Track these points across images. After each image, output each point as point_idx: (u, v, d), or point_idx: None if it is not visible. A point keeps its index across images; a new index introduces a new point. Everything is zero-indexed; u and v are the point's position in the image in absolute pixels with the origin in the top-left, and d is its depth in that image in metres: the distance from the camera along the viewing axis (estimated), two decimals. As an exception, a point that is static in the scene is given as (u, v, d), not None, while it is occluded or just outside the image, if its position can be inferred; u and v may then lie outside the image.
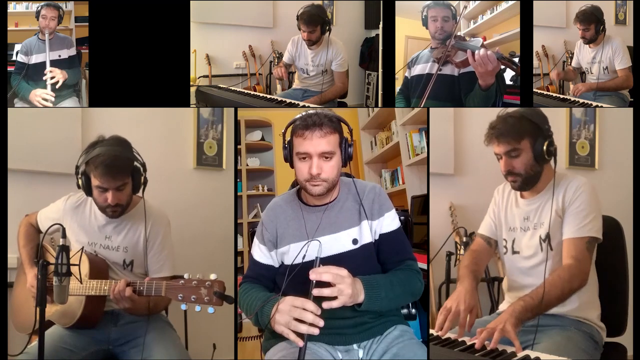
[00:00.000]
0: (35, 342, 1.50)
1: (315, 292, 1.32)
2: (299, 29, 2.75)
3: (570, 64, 2.78)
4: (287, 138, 1.56)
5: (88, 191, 1.82)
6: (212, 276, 1.56)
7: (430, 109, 2.34)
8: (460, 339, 1.53)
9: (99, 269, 1.82)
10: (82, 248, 1.78)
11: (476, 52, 1.90)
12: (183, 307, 1.58)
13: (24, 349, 1.64)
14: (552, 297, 1.54)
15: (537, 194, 1.74)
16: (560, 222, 1.66)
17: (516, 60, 2.34)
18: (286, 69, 2.92)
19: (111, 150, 1.76)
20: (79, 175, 1.80)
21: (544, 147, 1.64)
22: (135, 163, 1.83)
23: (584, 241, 1.61)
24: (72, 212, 1.93)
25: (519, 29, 2.38)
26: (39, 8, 2.37)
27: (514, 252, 1.77)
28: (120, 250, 1.89)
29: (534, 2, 2.37)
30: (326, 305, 1.33)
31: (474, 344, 1.46)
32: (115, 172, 1.75)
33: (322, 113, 1.51)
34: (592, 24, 2.52)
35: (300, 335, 1.31)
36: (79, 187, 1.82)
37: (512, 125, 1.67)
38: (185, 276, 1.58)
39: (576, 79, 2.77)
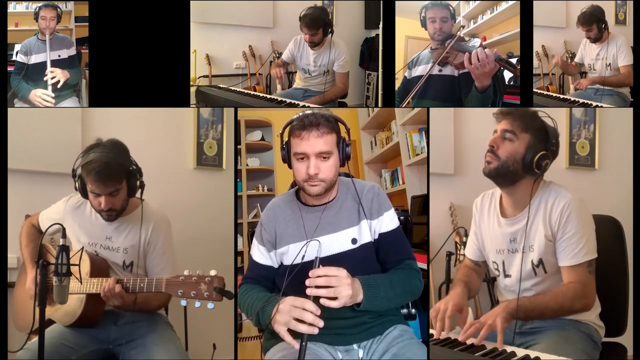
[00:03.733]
0: (35, 339, 1.51)
1: (309, 291, 1.33)
2: (301, 31, 2.74)
3: (572, 61, 2.78)
4: (285, 139, 1.56)
5: (84, 194, 1.83)
6: (212, 272, 1.57)
7: (430, 109, 2.34)
8: (460, 339, 1.53)
9: (100, 268, 1.83)
10: (82, 248, 1.78)
11: (473, 53, 1.90)
12: (183, 302, 1.58)
13: (24, 345, 1.64)
14: (549, 309, 1.54)
15: (520, 210, 1.67)
16: (552, 246, 1.61)
17: (514, 61, 2.34)
18: (284, 67, 2.92)
19: (104, 156, 1.76)
20: (76, 178, 1.81)
21: (536, 156, 1.57)
22: (130, 168, 1.83)
23: (583, 266, 1.58)
24: (72, 213, 1.94)
25: (519, 29, 2.38)
26: (37, 9, 2.38)
27: (506, 276, 1.73)
28: (120, 251, 1.90)
29: (534, 2, 2.37)
30: (325, 302, 1.33)
31: (473, 344, 1.46)
32: (107, 179, 1.76)
33: (319, 113, 1.51)
34: (593, 24, 2.54)
35: (299, 335, 1.32)
36: (76, 189, 1.84)
37: (525, 115, 1.62)
38: (185, 272, 1.59)
39: (576, 75, 2.78)
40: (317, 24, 2.69)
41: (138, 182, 1.85)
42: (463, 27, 2.75)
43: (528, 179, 1.62)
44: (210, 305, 1.56)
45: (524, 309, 1.52)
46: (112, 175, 1.77)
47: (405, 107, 2.29)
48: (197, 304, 1.56)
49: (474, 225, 1.84)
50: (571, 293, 1.55)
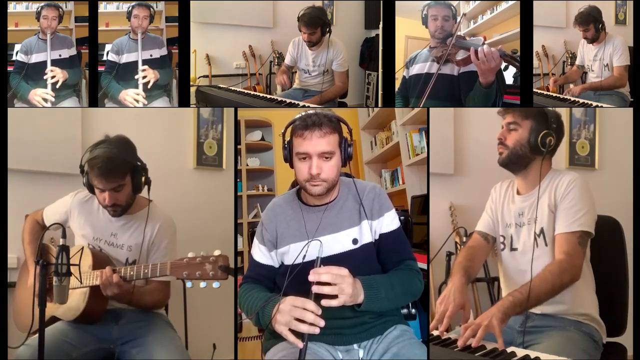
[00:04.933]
0: (36, 335, 1.50)
1: (315, 289, 1.32)
2: (300, 30, 2.75)
3: (571, 64, 2.78)
4: (287, 138, 1.56)
5: (91, 189, 1.84)
6: (216, 252, 1.58)
7: (430, 109, 2.34)
8: (459, 345, 1.53)
9: (102, 262, 1.82)
10: (82, 248, 1.79)
11: (479, 48, 1.90)
12: (189, 284, 1.59)
13: (24, 341, 1.64)
14: (542, 291, 1.54)
15: (531, 189, 1.75)
16: (554, 218, 1.67)
17: (518, 57, 2.34)
18: (288, 72, 2.93)
19: (108, 152, 1.77)
20: (83, 174, 1.82)
21: (539, 136, 1.69)
22: (135, 164, 1.84)
23: (575, 236, 1.61)
24: (80, 207, 1.94)
25: (519, 29, 2.38)
26: (39, 9, 2.37)
27: (512, 249, 1.77)
28: (124, 248, 1.90)
29: (534, 2, 2.37)
30: (325, 303, 1.33)
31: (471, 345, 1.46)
32: (109, 174, 1.77)
33: (322, 113, 1.51)
34: (590, 24, 2.54)
35: (300, 335, 1.32)
36: (84, 185, 1.85)
37: (527, 108, 1.78)
38: (189, 255, 1.59)
39: (578, 79, 2.78)
40: (316, 23, 2.69)
41: (143, 179, 1.85)
42: (465, 14, 2.75)
43: (538, 160, 1.74)
44: (215, 284, 1.56)
45: (519, 302, 1.52)
46: (114, 171, 1.77)
47: (412, 107, 2.29)
48: (203, 284, 1.57)
49: (490, 201, 1.91)
50: (558, 268, 1.57)
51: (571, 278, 1.58)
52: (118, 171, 1.79)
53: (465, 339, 1.45)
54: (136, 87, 2.37)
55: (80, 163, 1.82)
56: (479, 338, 1.43)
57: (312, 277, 1.33)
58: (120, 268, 1.71)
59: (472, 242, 1.89)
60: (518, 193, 1.81)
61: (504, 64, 1.96)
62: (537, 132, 1.70)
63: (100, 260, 1.83)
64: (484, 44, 1.94)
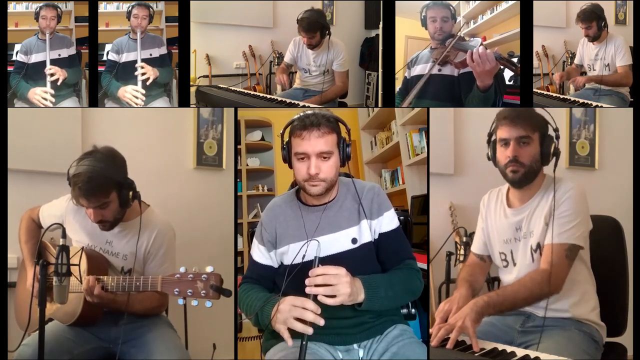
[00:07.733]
0: (35, 333, 1.50)
1: (308, 290, 1.33)
2: (299, 34, 2.74)
3: (571, 63, 2.78)
4: (286, 139, 1.56)
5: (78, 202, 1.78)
6: (209, 269, 1.54)
7: (430, 109, 2.34)
8: (460, 339, 1.53)
9: (98, 266, 1.81)
10: (82, 248, 1.78)
11: (474, 50, 1.90)
12: (180, 302, 1.56)
13: (21, 342, 1.64)
14: (519, 297, 1.54)
15: (525, 201, 1.71)
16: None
17: (515, 60, 2.34)
18: (287, 70, 2.92)
19: (90, 169, 1.70)
20: (71, 187, 1.75)
21: (552, 148, 1.63)
22: (120, 180, 1.77)
23: (563, 248, 1.57)
24: (74, 212, 1.92)
25: (519, 29, 2.38)
26: (38, 9, 2.38)
27: (514, 264, 1.74)
28: (119, 257, 1.88)
29: (534, 2, 2.37)
30: (322, 299, 1.33)
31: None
32: (90, 193, 1.70)
33: (320, 113, 1.51)
34: (593, 21, 2.54)
35: (299, 334, 1.32)
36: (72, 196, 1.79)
37: (527, 113, 1.67)
38: (181, 270, 1.56)
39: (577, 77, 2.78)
40: (314, 28, 2.69)
41: (131, 194, 1.78)
42: (468, 23, 2.75)
43: (541, 171, 1.70)
44: (208, 303, 1.54)
45: (493, 303, 1.51)
46: (95, 190, 1.71)
47: (405, 107, 2.29)
48: (194, 302, 1.54)
49: (481, 220, 1.86)
50: (540, 278, 1.54)
51: (551, 290, 1.56)
52: (100, 189, 1.72)
53: (439, 339, 1.45)
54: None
55: (67, 175, 1.74)
56: (453, 340, 1.43)
57: (307, 281, 1.34)
58: (108, 278, 1.68)
59: (470, 261, 1.90)
60: (510, 206, 1.75)
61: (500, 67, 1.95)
62: (548, 145, 1.63)
63: (97, 263, 1.81)
64: (481, 44, 1.94)
